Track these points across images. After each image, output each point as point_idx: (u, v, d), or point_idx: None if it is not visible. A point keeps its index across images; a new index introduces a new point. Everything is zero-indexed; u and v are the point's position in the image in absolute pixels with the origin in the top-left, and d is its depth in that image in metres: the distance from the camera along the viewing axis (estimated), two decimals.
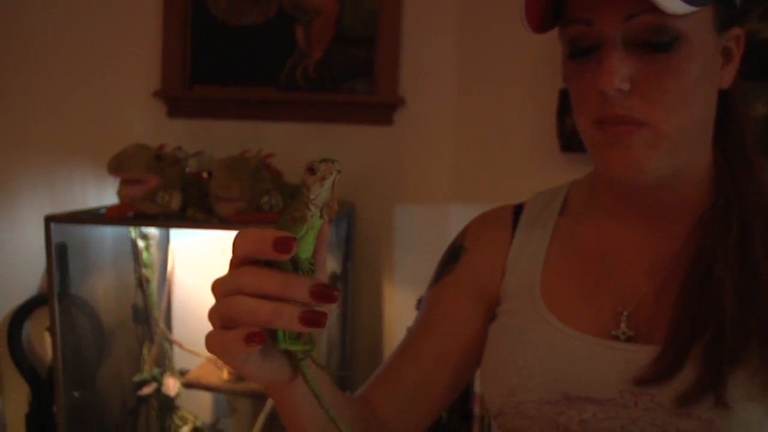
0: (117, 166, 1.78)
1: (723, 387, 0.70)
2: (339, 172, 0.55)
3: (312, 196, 0.55)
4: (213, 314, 0.55)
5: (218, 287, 0.55)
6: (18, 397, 2.34)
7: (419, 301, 0.97)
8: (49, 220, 1.86)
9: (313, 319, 0.52)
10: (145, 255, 2.17)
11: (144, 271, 2.17)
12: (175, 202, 1.81)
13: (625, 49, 0.70)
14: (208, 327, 0.56)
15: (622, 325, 0.78)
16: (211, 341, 0.55)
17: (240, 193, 1.77)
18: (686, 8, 0.66)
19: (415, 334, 0.90)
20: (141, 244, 2.15)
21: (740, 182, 0.77)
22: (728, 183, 0.77)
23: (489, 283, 0.88)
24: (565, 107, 2.00)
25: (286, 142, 2.25)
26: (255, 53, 2.26)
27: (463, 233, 0.96)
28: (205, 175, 2.02)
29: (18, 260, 2.28)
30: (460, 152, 2.23)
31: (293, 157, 2.20)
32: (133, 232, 2.14)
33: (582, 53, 0.73)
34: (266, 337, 0.53)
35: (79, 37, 2.30)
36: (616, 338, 0.78)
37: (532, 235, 0.89)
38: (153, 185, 1.79)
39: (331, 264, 2.17)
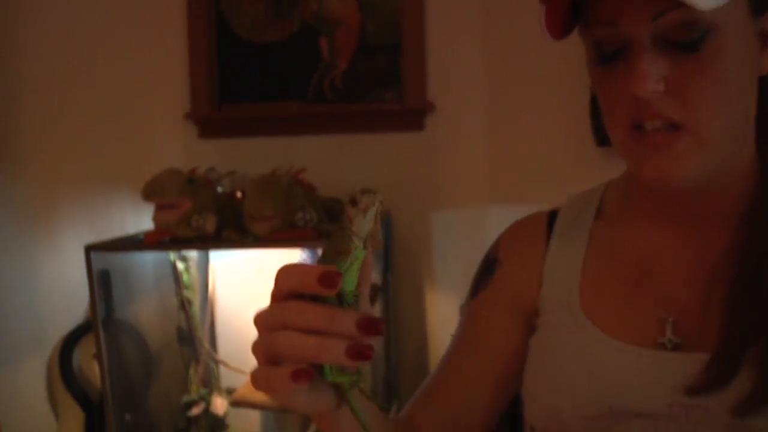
0: (151, 193, 1.78)
1: None
2: (381, 203, 0.55)
3: (355, 229, 0.54)
4: (257, 349, 0.55)
5: (262, 321, 0.54)
6: (73, 422, 2.36)
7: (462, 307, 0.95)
8: (89, 249, 1.88)
9: (360, 353, 0.51)
10: (185, 277, 2.17)
11: (185, 292, 2.17)
12: (209, 224, 1.80)
13: (655, 49, 0.64)
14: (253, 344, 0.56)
15: (668, 332, 0.73)
16: (257, 378, 0.54)
17: (273, 211, 1.75)
18: (717, 1, 0.60)
19: (454, 352, 0.87)
20: (181, 266, 2.15)
21: None
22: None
23: (526, 296, 0.83)
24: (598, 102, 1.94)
25: (317, 156, 2.23)
26: (281, 69, 2.24)
27: (497, 244, 0.91)
28: (238, 194, 2.00)
29: (63, 289, 2.30)
30: (494, 153, 2.18)
31: (326, 170, 2.19)
32: (172, 255, 2.14)
33: (609, 58, 0.67)
34: (314, 374, 0.52)
35: (109, 67, 2.32)
36: (662, 347, 0.72)
37: (568, 243, 0.84)
38: (187, 209, 1.79)
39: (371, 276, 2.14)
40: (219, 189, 2.03)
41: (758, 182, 0.72)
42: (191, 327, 2.21)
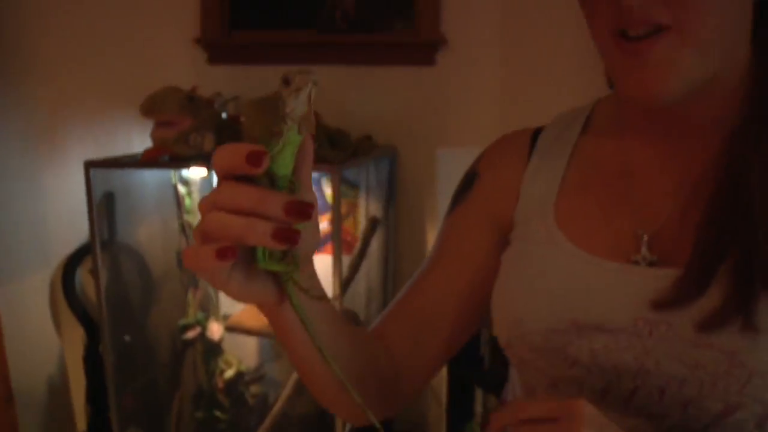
0: (149, 108, 1.74)
1: (752, 310, 0.60)
2: (315, 83, 0.52)
3: (287, 110, 0.52)
4: (195, 231, 0.54)
5: (202, 205, 0.53)
6: (75, 339, 2.37)
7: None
8: (89, 165, 1.85)
9: (287, 236, 0.51)
10: (187, 201, 2.14)
11: (186, 217, 2.15)
12: (208, 143, 1.76)
13: None
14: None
15: (643, 249, 0.69)
16: (187, 257, 0.53)
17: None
18: None
19: (425, 267, 0.84)
20: (182, 190, 2.12)
21: None
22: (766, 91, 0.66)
23: (502, 210, 0.79)
24: None
25: (326, 86, 2.12)
26: None
27: (479, 159, 0.87)
28: (242, 118, 1.96)
29: (69, 207, 2.28)
30: (505, 94, 2.10)
31: (333, 100, 2.13)
32: (173, 177, 2.11)
33: None
34: (237, 252, 0.51)
35: None
36: (636, 263, 0.69)
37: (550, 157, 0.79)
38: (185, 127, 1.75)
39: (372, 208, 2.10)
40: (223, 115, 1.99)
41: (747, 97, 0.67)
42: None
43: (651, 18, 0.60)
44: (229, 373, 2.19)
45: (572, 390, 0.69)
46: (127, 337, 2.29)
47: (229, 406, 2.21)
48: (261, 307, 0.61)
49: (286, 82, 0.52)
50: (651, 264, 0.68)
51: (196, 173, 2.11)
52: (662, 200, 0.70)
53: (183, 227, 2.16)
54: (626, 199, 0.72)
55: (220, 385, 2.20)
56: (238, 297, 0.56)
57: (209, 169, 2.04)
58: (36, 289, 2.38)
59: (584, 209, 0.74)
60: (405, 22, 2.11)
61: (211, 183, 2.22)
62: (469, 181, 0.85)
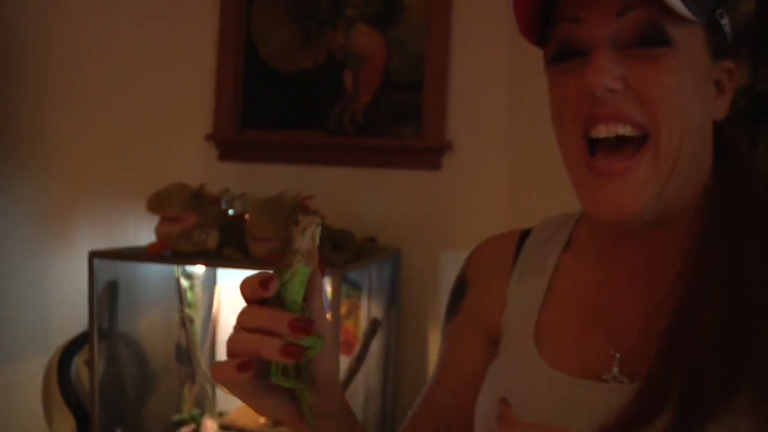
0: (155, 204, 1.75)
1: None
2: (319, 225, 0.61)
3: (296, 246, 0.61)
4: (226, 347, 0.61)
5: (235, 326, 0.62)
6: (65, 429, 2.30)
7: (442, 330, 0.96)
8: (93, 255, 1.85)
9: (292, 352, 0.57)
10: (189, 295, 2.12)
11: (187, 310, 2.12)
12: (211, 240, 1.76)
13: (617, 50, 0.61)
14: None
15: (614, 369, 0.69)
16: (212, 369, 0.61)
17: (274, 233, 1.70)
18: (686, 12, 0.59)
19: (433, 381, 0.86)
20: (185, 283, 2.11)
21: (741, 217, 0.67)
22: (720, 213, 0.67)
23: (491, 320, 0.81)
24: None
25: (332, 186, 2.19)
26: (304, 98, 2.22)
27: (467, 264, 0.89)
28: (247, 216, 1.96)
29: (73, 296, 2.26)
30: (513, 196, 2.10)
31: (340, 201, 2.15)
32: (176, 271, 2.10)
33: (568, 54, 0.64)
34: (253, 366, 0.58)
35: (137, 82, 2.33)
36: (606, 382, 0.69)
37: (533, 272, 0.81)
38: (190, 223, 1.75)
39: (374, 310, 2.07)
40: (231, 211, 1.99)
41: (709, 216, 0.68)
42: (190, 346, 2.15)
43: (623, 112, 0.61)
44: None
45: None
46: (118, 430, 2.23)
47: None
48: (283, 423, 0.66)
49: (295, 223, 0.61)
50: (620, 383, 0.68)
51: (198, 268, 2.10)
52: (634, 319, 0.71)
53: (183, 320, 2.14)
54: (602, 318, 0.73)
55: None
56: (261, 411, 0.63)
57: (209, 266, 2.04)
58: (31, 374, 2.33)
59: (562, 328, 0.76)
60: (412, 128, 2.14)
61: (213, 278, 2.21)
62: (460, 291, 0.87)
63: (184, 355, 2.17)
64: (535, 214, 2.02)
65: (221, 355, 2.23)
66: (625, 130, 0.62)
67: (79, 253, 2.24)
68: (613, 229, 0.72)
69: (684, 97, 0.62)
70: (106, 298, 2.03)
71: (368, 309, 2.06)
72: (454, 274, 2.08)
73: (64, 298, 2.31)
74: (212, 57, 2.27)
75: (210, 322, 2.21)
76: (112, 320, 2.12)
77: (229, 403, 2.14)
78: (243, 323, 0.60)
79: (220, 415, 2.13)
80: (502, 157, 2.12)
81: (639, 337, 0.69)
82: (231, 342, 0.60)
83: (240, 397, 0.62)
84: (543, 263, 0.80)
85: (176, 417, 2.13)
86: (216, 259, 1.79)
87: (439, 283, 2.14)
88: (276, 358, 0.58)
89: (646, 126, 0.61)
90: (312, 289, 0.62)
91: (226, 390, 0.63)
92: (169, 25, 2.32)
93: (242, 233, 1.84)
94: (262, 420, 1.99)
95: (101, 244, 2.14)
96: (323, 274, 0.64)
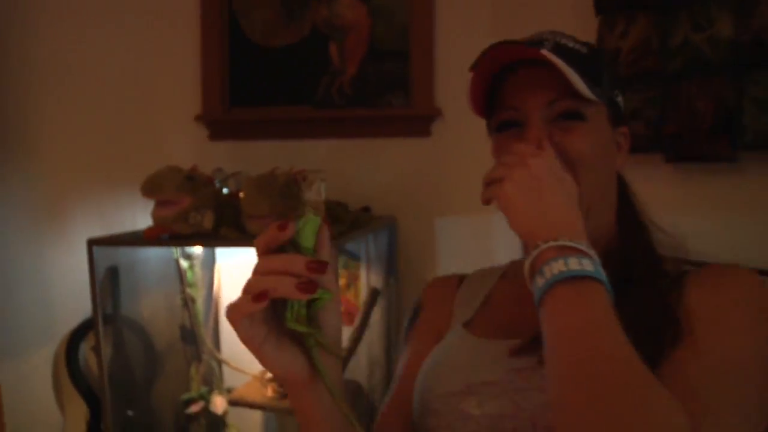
0: (150, 189, 1.71)
1: None
2: (323, 180, 0.71)
3: (306, 198, 0.71)
4: (242, 291, 0.65)
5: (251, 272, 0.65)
6: (78, 415, 2.30)
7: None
8: (92, 243, 1.83)
9: (308, 287, 0.62)
10: (189, 275, 2.10)
11: (189, 290, 2.10)
12: (207, 221, 1.73)
13: (545, 123, 0.82)
14: None
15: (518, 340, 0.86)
16: (228, 308, 0.64)
17: (269, 209, 1.66)
18: (593, 97, 0.80)
19: (395, 389, 0.99)
20: (184, 264, 2.09)
21: (635, 253, 0.85)
22: (623, 253, 0.85)
23: (441, 325, 1.00)
24: None
25: (325, 159, 2.16)
26: (291, 73, 2.18)
27: (422, 295, 1.12)
28: (241, 194, 1.93)
29: (73, 283, 2.24)
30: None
31: (332, 173, 2.10)
32: (175, 252, 2.08)
33: (509, 125, 0.84)
34: (268, 296, 0.62)
35: (123, 68, 2.28)
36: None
37: (473, 293, 1.03)
38: (185, 206, 1.71)
39: (373, 278, 2.06)
40: (225, 190, 1.96)
41: (612, 249, 0.85)
42: (194, 325, 2.14)
43: None
44: None
45: None
46: (129, 412, 2.22)
47: None
48: (290, 383, 0.69)
49: (303, 178, 0.69)
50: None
51: (197, 248, 2.08)
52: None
53: (185, 301, 2.12)
54: (516, 320, 0.89)
55: None
56: (269, 363, 0.66)
57: (207, 247, 2.02)
58: (39, 364, 2.32)
59: (489, 324, 0.95)
60: (400, 96, 2.11)
61: (212, 257, 2.19)
62: (416, 313, 1.09)
63: (189, 334, 2.16)
64: None
65: (225, 332, 2.22)
66: None
67: (77, 242, 2.21)
68: None
69: (595, 156, 0.82)
70: (107, 285, 2.01)
71: (367, 278, 2.05)
72: (449, 239, 2.09)
73: (66, 288, 2.29)
74: (197, 38, 2.22)
75: (212, 300, 2.20)
76: (115, 306, 2.11)
77: (236, 379, 2.14)
78: (260, 269, 0.64)
79: (228, 391, 2.13)
80: None
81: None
82: (248, 285, 0.63)
83: (251, 348, 0.65)
84: (482, 286, 1.03)
85: (185, 396, 2.12)
86: (213, 239, 1.77)
87: (435, 249, 2.13)
88: (293, 294, 0.62)
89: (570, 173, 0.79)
90: (321, 238, 0.66)
91: (231, 365, 0.67)
92: (151, 9, 2.26)
93: (237, 212, 1.81)
94: (268, 393, 1.99)
95: (98, 232, 2.10)
96: (330, 229, 0.68)
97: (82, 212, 2.32)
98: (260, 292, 0.62)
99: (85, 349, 2.28)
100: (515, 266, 1.04)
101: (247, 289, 0.63)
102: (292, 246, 0.64)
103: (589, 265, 0.65)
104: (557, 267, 0.65)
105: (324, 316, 0.67)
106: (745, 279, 0.77)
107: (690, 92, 1.68)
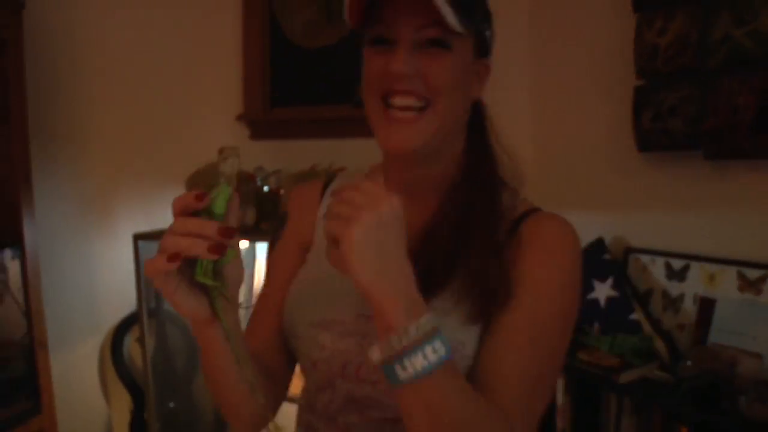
0: (193, 185, 1.75)
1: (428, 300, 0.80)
2: (237, 155, 0.73)
3: (221, 170, 0.72)
4: (158, 251, 0.70)
5: (166, 233, 0.70)
6: (122, 406, 2.34)
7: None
8: (137, 238, 1.86)
9: (218, 248, 0.68)
10: None
11: None
12: (249, 216, 1.76)
13: (414, 48, 0.84)
14: None
15: None
16: (146, 265, 0.69)
17: None
18: (460, 28, 0.83)
19: (264, 293, 1.04)
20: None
21: (479, 169, 0.93)
22: (470, 167, 0.93)
23: (305, 235, 1.03)
24: (640, 105, 1.81)
25: (363, 158, 2.16)
26: (330, 73, 2.19)
27: (288, 202, 1.16)
28: (282, 191, 1.95)
29: (120, 278, 2.28)
30: (535, 156, 2.08)
31: None
32: None
33: (381, 41, 0.86)
34: (182, 257, 0.68)
35: (169, 69, 2.32)
36: None
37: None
38: None
39: None
40: (265, 188, 1.99)
41: (459, 171, 0.93)
42: None
43: (415, 89, 0.84)
44: None
45: (323, 367, 0.89)
46: (171, 404, 2.26)
47: None
48: (194, 322, 0.76)
49: (219, 152, 0.72)
50: None
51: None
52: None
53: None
54: None
55: None
56: (180, 307, 0.72)
57: (251, 242, 2.04)
58: (86, 356, 2.36)
59: None
60: None
61: (253, 253, 2.21)
62: (283, 221, 1.10)
63: None
64: (557, 172, 2.00)
65: None
66: (411, 102, 0.84)
67: (123, 237, 2.26)
68: (398, 162, 0.93)
69: (454, 85, 0.87)
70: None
71: None
72: None
73: (111, 281, 2.33)
74: (238, 40, 2.25)
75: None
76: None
77: None
78: (176, 229, 0.69)
79: None
80: (526, 114, 2.11)
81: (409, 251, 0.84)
82: (164, 242, 0.68)
83: (165, 294, 0.71)
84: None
85: None
86: (255, 234, 1.79)
87: None
88: (204, 255, 0.68)
89: (429, 99, 0.85)
90: (231, 206, 0.72)
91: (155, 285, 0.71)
92: (194, 12, 2.30)
93: (278, 208, 1.84)
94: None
95: (142, 227, 2.14)
96: (240, 198, 0.75)
97: (128, 208, 2.36)
98: (174, 253, 0.67)
99: (129, 342, 2.32)
100: (376, 172, 1.04)
101: (164, 247, 0.69)
102: (205, 212, 0.70)
103: (439, 345, 0.71)
104: (418, 363, 0.71)
105: (228, 270, 0.74)
106: (571, 246, 0.89)
107: (731, 88, 1.64)
